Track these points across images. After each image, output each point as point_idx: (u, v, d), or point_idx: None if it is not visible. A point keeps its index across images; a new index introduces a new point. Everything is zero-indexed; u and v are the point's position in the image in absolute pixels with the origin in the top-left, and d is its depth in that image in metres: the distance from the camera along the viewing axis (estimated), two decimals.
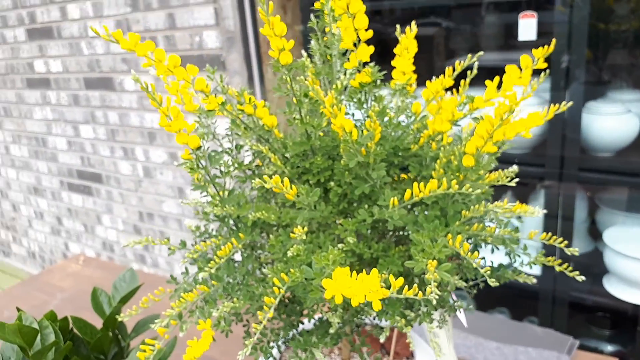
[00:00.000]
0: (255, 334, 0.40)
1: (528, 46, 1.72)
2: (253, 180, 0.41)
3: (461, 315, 0.55)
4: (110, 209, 2.52)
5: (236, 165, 0.52)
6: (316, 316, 0.53)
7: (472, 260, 0.39)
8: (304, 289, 0.41)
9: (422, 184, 0.41)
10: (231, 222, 0.52)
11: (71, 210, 2.74)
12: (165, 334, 0.43)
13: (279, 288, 0.40)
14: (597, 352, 1.65)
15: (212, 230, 0.58)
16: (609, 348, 1.68)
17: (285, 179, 0.41)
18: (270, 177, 0.51)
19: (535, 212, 0.49)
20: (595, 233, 1.68)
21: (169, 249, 0.53)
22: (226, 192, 0.49)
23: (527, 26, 1.36)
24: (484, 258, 0.40)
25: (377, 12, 1.94)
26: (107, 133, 2.32)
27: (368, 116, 0.47)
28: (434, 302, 0.34)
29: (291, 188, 0.42)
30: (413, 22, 0.54)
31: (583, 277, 0.48)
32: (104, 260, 2.71)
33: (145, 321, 0.63)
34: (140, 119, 2.15)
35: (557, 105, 0.51)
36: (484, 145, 0.41)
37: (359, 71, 0.46)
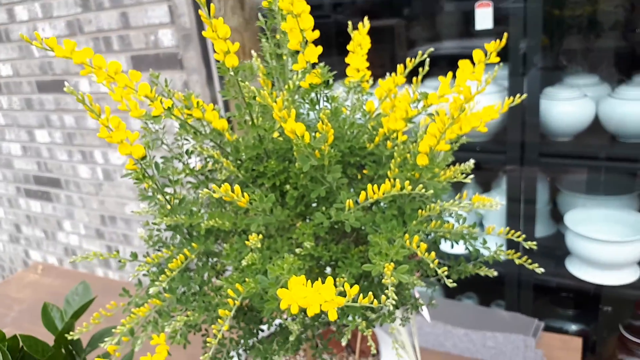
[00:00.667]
0: (210, 348, 0.38)
1: (485, 34, 1.74)
2: (201, 191, 0.40)
3: (424, 312, 0.55)
4: (70, 214, 2.45)
5: (187, 171, 0.50)
6: (276, 321, 0.51)
7: (429, 261, 0.38)
8: (260, 299, 0.40)
9: (376, 185, 0.40)
10: (184, 230, 0.51)
11: (30, 216, 2.65)
12: (117, 352, 0.41)
13: (233, 300, 0.39)
14: (562, 332, 1.69)
15: (166, 238, 0.56)
16: (573, 327, 1.72)
17: (236, 186, 0.40)
18: (223, 182, 0.49)
19: (494, 205, 0.49)
20: (556, 216, 1.71)
21: (119, 261, 0.51)
22: (176, 201, 0.48)
23: (484, 15, 1.37)
24: (436, 260, 0.40)
25: (339, 4, 1.93)
26: (64, 137, 2.25)
27: (320, 118, 0.46)
28: (390, 307, 0.34)
29: (243, 195, 0.40)
30: (366, 18, 0.53)
31: (542, 269, 0.48)
32: (67, 267, 2.63)
33: (101, 334, 0.60)
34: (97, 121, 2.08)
35: (511, 98, 0.51)
36: (437, 144, 0.41)
37: (306, 72, 0.44)
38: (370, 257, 0.39)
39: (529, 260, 0.49)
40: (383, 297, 0.33)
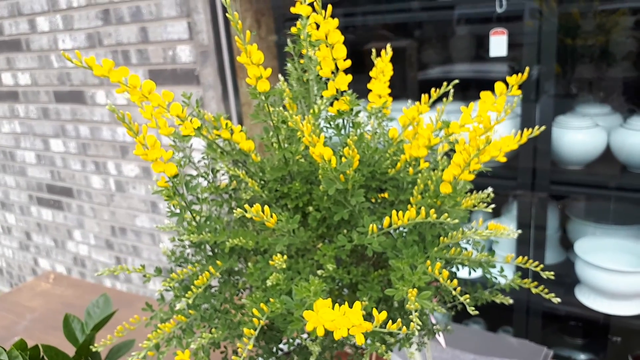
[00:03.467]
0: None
1: (499, 60, 1.76)
2: (234, 210, 0.41)
3: (440, 338, 0.56)
4: (81, 223, 2.47)
5: (212, 189, 0.51)
6: (295, 342, 0.52)
7: (451, 288, 0.39)
8: (284, 319, 0.40)
9: (400, 212, 0.41)
10: (207, 248, 0.52)
11: (40, 225, 2.68)
12: None
13: (258, 319, 0.40)
14: None
15: (188, 255, 0.57)
16: (582, 357, 1.71)
17: (266, 207, 0.41)
18: (247, 201, 0.51)
19: (511, 234, 0.49)
20: (566, 243, 1.71)
21: (144, 276, 0.52)
22: (202, 219, 0.49)
23: (498, 42, 1.39)
24: (459, 288, 0.41)
25: (351, 24, 1.96)
26: (78, 147, 2.28)
27: (346, 143, 0.47)
28: (416, 333, 0.34)
29: (271, 215, 0.41)
30: (388, 46, 0.55)
31: (559, 299, 0.48)
32: (75, 276, 2.65)
33: (119, 347, 0.61)
34: (112, 132, 2.12)
35: (530, 129, 0.53)
36: (461, 173, 0.42)
37: (337, 99, 0.46)
38: (393, 282, 0.40)
39: (546, 290, 0.49)
40: (412, 324, 0.34)
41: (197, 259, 0.54)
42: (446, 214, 0.39)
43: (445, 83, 0.49)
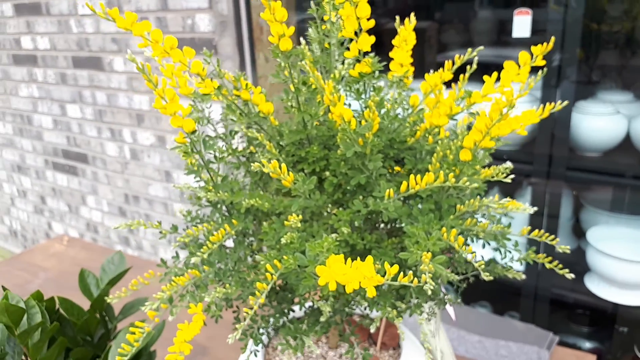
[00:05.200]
0: (246, 318, 0.40)
1: (521, 43, 1.73)
2: (252, 164, 0.41)
3: (450, 308, 0.56)
4: (95, 190, 2.50)
5: (230, 151, 0.51)
6: (307, 304, 0.53)
7: (466, 254, 0.39)
8: (296, 276, 0.41)
9: (418, 176, 0.41)
10: (223, 208, 0.52)
11: (55, 189, 2.71)
12: (155, 317, 0.43)
13: (271, 274, 0.40)
14: (576, 348, 1.68)
15: (204, 215, 0.57)
16: (587, 345, 1.71)
17: (283, 165, 0.41)
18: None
19: (527, 209, 0.49)
20: (578, 231, 1.70)
21: (160, 232, 0.53)
22: (219, 178, 0.49)
23: (522, 23, 1.36)
24: (474, 253, 0.41)
25: (371, 2, 1.94)
26: (95, 113, 2.29)
27: (366, 106, 0.47)
28: (429, 292, 0.35)
29: (288, 174, 0.41)
30: (412, 14, 0.54)
31: (572, 275, 0.48)
32: (88, 241, 2.69)
33: (132, 304, 0.62)
34: (129, 100, 2.12)
35: (552, 103, 0.52)
36: (482, 139, 0.41)
37: (359, 61, 0.45)
38: (407, 246, 0.40)
39: (560, 265, 0.49)
40: (423, 276, 0.34)
41: (213, 219, 0.55)
42: (465, 179, 0.39)
43: (469, 49, 0.48)
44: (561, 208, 1.60)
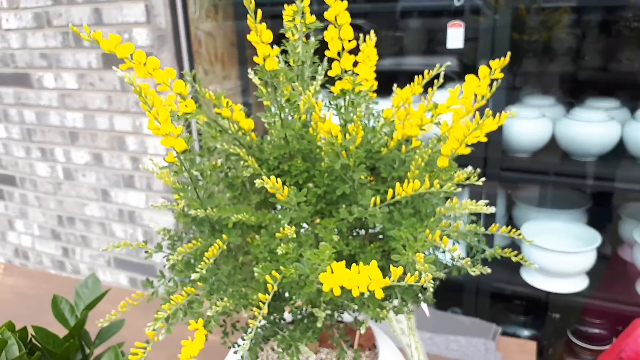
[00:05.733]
0: (252, 330, 0.41)
1: (448, 52, 1.84)
2: (230, 188, 0.43)
3: (424, 306, 0.59)
4: (24, 213, 2.36)
5: (211, 167, 0.52)
6: (291, 313, 0.54)
7: (452, 253, 0.43)
8: (296, 285, 0.43)
9: (405, 183, 0.44)
10: (208, 224, 0.53)
11: None
12: (155, 337, 0.43)
13: (272, 284, 0.42)
14: (515, 336, 1.79)
15: (182, 234, 0.58)
16: (525, 332, 1.82)
17: (279, 180, 0.43)
18: (247, 179, 0.52)
19: (487, 210, 0.54)
20: (512, 227, 1.81)
21: (146, 252, 0.53)
22: (206, 195, 0.50)
23: (455, 34, 1.45)
24: (460, 252, 0.44)
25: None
26: (22, 133, 2.18)
27: (345, 120, 0.50)
28: (431, 289, 0.38)
29: (283, 189, 0.43)
30: (372, 31, 0.58)
31: (536, 265, 0.53)
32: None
33: (109, 328, 0.61)
34: (61, 118, 2.04)
35: (507, 112, 0.57)
36: (459, 147, 0.45)
37: (340, 78, 0.48)
38: (398, 249, 0.43)
39: (521, 255, 0.54)
40: (423, 278, 0.37)
41: (195, 236, 0.55)
42: (449, 184, 0.43)
43: (438, 65, 0.52)
44: (496, 207, 1.71)
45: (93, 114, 1.96)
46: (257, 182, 0.42)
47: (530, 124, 1.56)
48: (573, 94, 1.83)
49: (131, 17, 1.74)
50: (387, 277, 0.37)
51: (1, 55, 2.07)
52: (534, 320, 1.87)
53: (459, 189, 0.45)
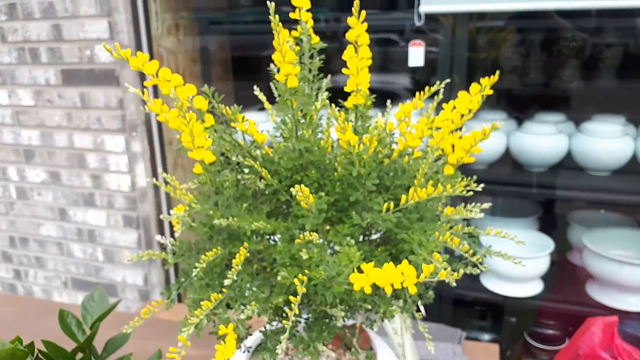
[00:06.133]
0: (287, 329, 0.44)
1: (403, 70, 1.92)
2: (285, 190, 0.45)
3: (421, 307, 0.64)
4: None
5: (232, 179, 0.55)
6: (304, 315, 0.57)
7: (463, 252, 0.47)
8: (322, 286, 0.46)
9: (418, 189, 0.48)
10: (224, 233, 0.55)
11: None
12: (188, 341, 0.45)
13: (300, 287, 0.45)
14: (477, 340, 1.87)
15: (191, 244, 0.60)
16: (486, 336, 1.91)
17: (305, 188, 0.46)
18: (259, 190, 0.55)
19: (478, 215, 0.60)
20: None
21: (166, 261, 0.54)
22: (225, 205, 0.52)
23: (416, 53, 1.53)
24: (471, 250, 0.49)
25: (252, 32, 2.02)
26: None
27: (358, 132, 0.54)
28: (453, 283, 0.42)
29: (308, 197, 0.47)
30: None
31: (524, 264, 0.58)
32: None
33: (115, 341, 0.62)
34: (15, 135, 1.97)
35: (495, 123, 0.63)
36: (464, 156, 0.50)
37: (353, 93, 0.52)
38: (414, 250, 0.47)
39: (511, 256, 0.59)
40: (443, 272, 0.41)
41: (203, 246, 0.58)
42: (459, 187, 0.47)
43: (438, 82, 0.57)
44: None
45: (51, 131, 1.91)
46: (292, 190, 0.45)
47: None
48: (520, 109, 1.96)
49: (93, 34, 1.72)
50: (420, 274, 0.41)
51: None
52: (493, 324, 1.96)
53: (470, 193, 0.49)
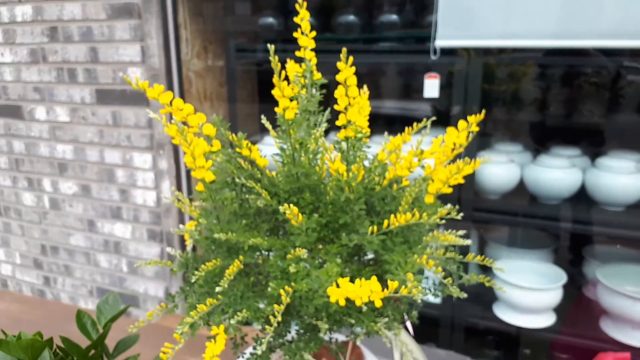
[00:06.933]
0: (267, 334, 0.49)
1: (422, 98, 1.97)
2: (280, 207, 0.51)
3: (409, 325, 0.68)
4: (6, 242, 2.37)
5: (231, 197, 0.61)
6: (295, 327, 0.62)
7: (436, 274, 0.51)
8: (306, 298, 0.51)
9: (399, 215, 0.53)
10: (223, 247, 0.61)
11: None
12: (181, 339, 0.50)
13: (285, 297, 0.50)
14: None
15: (196, 257, 0.65)
16: None
17: (295, 208, 0.51)
18: (259, 209, 0.61)
19: (464, 242, 0.64)
20: (484, 266, 1.91)
21: (172, 270, 0.60)
22: (225, 220, 0.58)
23: (431, 85, 1.58)
24: (443, 273, 0.53)
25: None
26: (10, 162, 2.22)
27: (348, 161, 0.59)
28: (419, 301, 0.46)
29: (298, 217, 0.52)
30: (365, 86, 0.68)
31: (505, 290, 0.62)
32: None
33: (125, 342, 0.68)
34: (51, 149, 2.09)
35: (481, 158, 0.67)
36: (442, 187, 0.55)
37: (344, 127, 0.58)
38: (391, 270, 0.52)
39: (493, 281, 0.63)
40: (414, 290, 0.46)
41: (208, 259, 0.63)
42: (436, 216, 0.52)
43: (425, 119, 0.62)
44: (470, 245, 1.81)
45: (84, 147, 2.02)
46: (281, 208, 0.50)
47: (499, 168, 1.68)
48: (539, 141, 1.98)
49: (126, 57, 1.83)
50: (384, 290, 0.45)
51: None
52: (506, 355, 1.95)
53: (443, 221, 0.54)
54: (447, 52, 1.56)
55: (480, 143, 1.85)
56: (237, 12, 2.18)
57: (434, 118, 0.63)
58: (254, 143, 0.64)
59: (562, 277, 1.67)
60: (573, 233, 1.89)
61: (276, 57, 0.53)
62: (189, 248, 0.66)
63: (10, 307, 1.37)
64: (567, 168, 1.61)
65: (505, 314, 1.73)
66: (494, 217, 1.75)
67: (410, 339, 0.71)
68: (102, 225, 2.10)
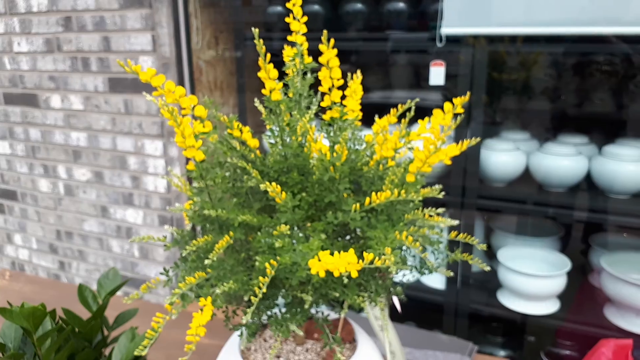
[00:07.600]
0: (252, 305, 0.52)
1: (432, 88, 1.98)
2: (262, 184, 0.53)
3: (396, 301, 0.70)
4: (23, 227, 2.44)
5: (221, 176, 0.63)
6: (281, 301, 0.65)
7: (415, 249, 0.54)
8: (289, 271, 0.53)
9: (379, 193, 0.55)
10: (216, 224, 0.64)
11: None
12: (172, 310, 0.53)
13: (270, 269, 0.53)
14: (492, 355, 1.88)
15: (191, 234, 0.68)
16: (502, 353, 1.92)
17: (278, 186, 0.54)
18: (250, 189, 0.63)
19: (451, 222, 0.66)
20: (490, 253, 1.93)
21: (165, 245, 0.63)
22: (217, 198, 0.61)
23: (437, 73, 1.59)
24: (421, 248, 0.55)
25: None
26: (27, 150, 2.28)
27: (334, 143, 0.61)
28: (394, 272, 0.48)
29: (281, 194, 0.54)
30: (359, 71, 0.70)
31: (488, 267, 0.64)
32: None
33: (124, 315, 0.71)
34: (66, 136, 2.14)
35: (469, 139, 0.69)
36: (422, 166, 0.57)
37: (330, 108, 0.60)
38: (371, 245, 0.54)
39: (477, 259, 0.65)
40: (391, 257, 0.48)
41: (207, 234, 0.66)
42: (413, 193, 0.54)
43: (409, 101, 0.64)
44: (475, 233, 1.82)
45: (97, 134, 2.07)
46: (262, 185, 0.53)
47: (505, 156, 1.69)
48: (549, 130, 1.98)
49: (138, 46, 1.87)
50: (360, 261, 0.48)
51: (11, 77, 2.18)
52: (510, 341, 1.97)
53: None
54: (454, 40, 1.56)
55: (488, 130, 1.86)
56: (249, 2, 2.20)
57: (417, 100, 0.65)
58: (263, 131, 0.67)
59: (566, 264, 1.68)
60: (579, 221, 1.89)
61: (261, 40, 0.56)
62: (188, 227, 0.69)
63: (24, 288, 1.42)
64: (574, 156, 1.61)
65: (509, 301, 1.74)
66: (499, 204, 1.76)
67: (395, 338, 0.74)
68: (115, 211, 2.16)
